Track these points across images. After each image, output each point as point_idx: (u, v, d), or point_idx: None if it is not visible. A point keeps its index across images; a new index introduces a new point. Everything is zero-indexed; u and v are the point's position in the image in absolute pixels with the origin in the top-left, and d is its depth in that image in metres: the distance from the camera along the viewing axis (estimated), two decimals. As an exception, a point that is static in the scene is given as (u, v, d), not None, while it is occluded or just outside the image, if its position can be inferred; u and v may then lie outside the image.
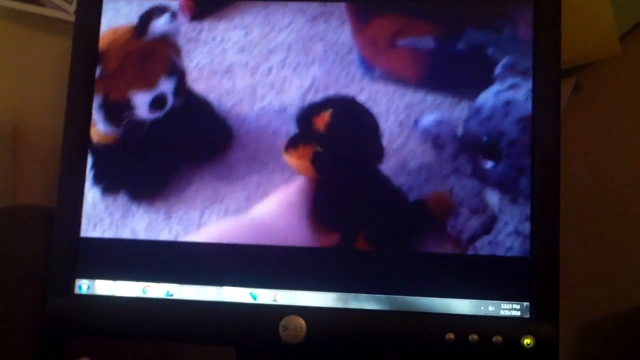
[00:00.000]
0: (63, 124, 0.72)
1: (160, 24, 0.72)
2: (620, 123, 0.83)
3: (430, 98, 0.67)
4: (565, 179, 0.65)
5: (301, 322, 0.66)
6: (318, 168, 0.68)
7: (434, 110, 0.67)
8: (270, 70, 0.70)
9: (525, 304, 0.64)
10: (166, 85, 0.71)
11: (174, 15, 0.72)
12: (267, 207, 0.68)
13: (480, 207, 0.64)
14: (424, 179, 0.66)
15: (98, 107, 0.73)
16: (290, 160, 0.67)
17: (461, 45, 0.67)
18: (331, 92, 0.69)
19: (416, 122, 0.66)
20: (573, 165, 0.75)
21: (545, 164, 0.64)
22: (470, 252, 0.64)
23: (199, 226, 0.69)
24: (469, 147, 0.65)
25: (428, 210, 0.66)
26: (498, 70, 0.66)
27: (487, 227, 0.64)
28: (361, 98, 0.68)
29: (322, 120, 0.67)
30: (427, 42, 0.68)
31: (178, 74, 0.72)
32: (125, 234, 0.69)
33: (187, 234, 0.70)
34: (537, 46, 0.66)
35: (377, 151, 0.68)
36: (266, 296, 0.68)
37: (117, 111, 0.72)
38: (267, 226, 0.68)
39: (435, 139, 0.65)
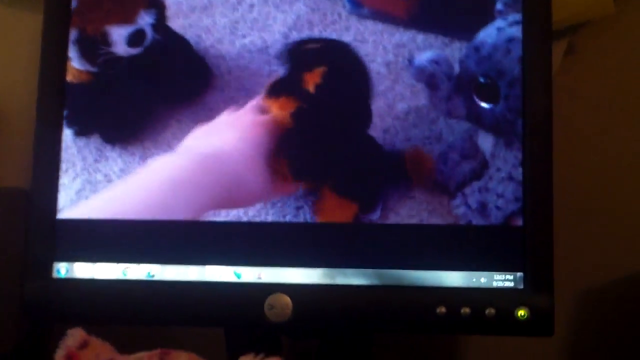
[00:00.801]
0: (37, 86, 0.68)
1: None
2: (614, 85, 0.80)
3: (421, 37, 0.63)
4: (559, 142, 0.61)
5: (287, 300, 0.62)
6: (297, 122, 0.64)
7: (427, 49, 0.62)
8: (252, 6, 0.66)
9: (519, 274, 0.61)
10: (145, 19, 0.66)
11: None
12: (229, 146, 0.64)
13: (472, 152, 0.60)
14: (412, 123, 0.61)
15: (74, 41, 0.69)
16: (269, 105, 0.63)
17: None
18: (316, 30, 0.64)
19: (410, 61, 0.61)
20: (567, 128, 0.71)
21: (537, 115, 0.60)
22: (459, 201, 0.60)
23: (175, 171, 0.65)
24: (465, 88, 0.60)
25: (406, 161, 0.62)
26: (499, 5, 0.61)
27: (478, 173, 0.60)
28: (347, 38, 0.63)
29: (313, 80, 0.62)
30: None
31: (158, 7, 0.67)
32: (99, 177, 0.65)
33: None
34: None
35: (367, 114, 0.64)
36: (251, 274, 0.65)
37: (93, 46, 0.68)
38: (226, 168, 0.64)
39: (429, 78, 0.61)
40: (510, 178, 0.60)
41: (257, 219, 0.65)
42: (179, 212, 0.64)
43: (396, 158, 0.63)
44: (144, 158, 0.66)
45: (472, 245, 0.62)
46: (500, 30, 0.60)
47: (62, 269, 0.67)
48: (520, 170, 0.60)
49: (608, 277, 0.79)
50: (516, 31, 0.60)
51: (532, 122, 0.60)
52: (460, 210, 0.61)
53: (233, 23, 0.66)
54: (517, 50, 0.60)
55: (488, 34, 0.60)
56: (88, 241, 0.66)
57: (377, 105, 0.63)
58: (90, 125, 0.67)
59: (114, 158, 0.66)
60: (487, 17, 0.62)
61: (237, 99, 0.65)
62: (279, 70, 0.65)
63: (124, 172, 0.66)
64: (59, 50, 0.69)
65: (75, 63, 0.68)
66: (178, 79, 0.66)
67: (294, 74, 0.64)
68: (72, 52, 0.69)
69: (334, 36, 0.64)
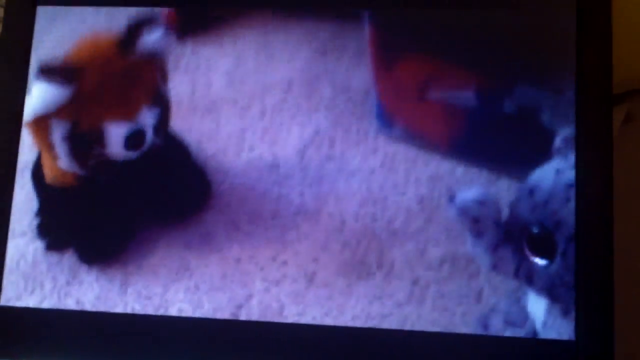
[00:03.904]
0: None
1: (152, 39, 0.55)
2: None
3: (461, 170, 0.51)
4: (617, 226, 0.50)
5: None
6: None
7: (467, 185, 0.50)
8: (263, 113, 0.55)
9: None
10: (147, 119, 0.55)
11: (166, 28, 0.58)
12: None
13: (519, 319, 0.48)
14: (446, 275, 0.50)
15: (64, 137, 0.58)
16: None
17: (509, 105, 0.50)
18: (337, 149, 0.53)
19: (451, 198, 0.50)
20: (626, 207, 0.59)
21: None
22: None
23: (160, 307, 0.53)
24: (515, 238, 0.49)
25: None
26: (558, 142, 0.49)
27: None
28: (373, 162, 0.52)
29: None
30: (466, 97, 0.51)
31: (162, 104, 0.57)
32: (70, 304, 0.54)
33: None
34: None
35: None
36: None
37: (87, 145, 0.57)
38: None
39: (473, 222, 0.49)
40: None
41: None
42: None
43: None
44: (124, 286, 0.54)
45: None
46: (558, 173, 0.49)
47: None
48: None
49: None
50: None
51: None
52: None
53: (240, 131, 0.55)
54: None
55: (544, 176, 0.49)
56: (33, 334, 0.56)
57: (406, 249, 0.51)
58: (65, 238, 0.55)
59: (90, 282, 0.55)
60: (543, 154, 0.50)
61: (238, 224, 0.53)
62: (291, 196, 0.53)
63: (99, 300, 0.54)
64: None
65: (62, 163, 0.56)
66: (173, 193, 0.55)
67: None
68: (60, 149, 0.57)
69: (357, 159, 0.52)
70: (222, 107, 0.57)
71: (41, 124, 0.59)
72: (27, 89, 0.58)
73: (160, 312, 0.55)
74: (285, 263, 0.53)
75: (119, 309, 0.55)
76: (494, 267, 0.50)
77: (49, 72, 0.60)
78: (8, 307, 0.57)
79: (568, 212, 0.50)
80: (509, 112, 0.52)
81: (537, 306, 0.49)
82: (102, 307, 0.55)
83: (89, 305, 0.56)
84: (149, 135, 0.56)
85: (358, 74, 0.55)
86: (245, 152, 0.56)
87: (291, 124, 0.56)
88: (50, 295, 0.57)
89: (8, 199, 0.58)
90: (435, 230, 0.52)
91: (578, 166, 0.51)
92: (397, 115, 0.54)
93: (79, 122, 0.58)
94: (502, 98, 0.52)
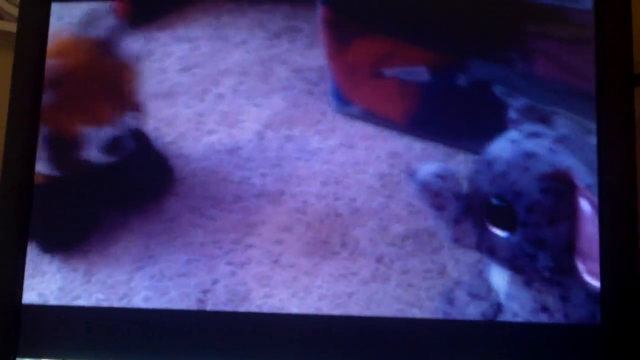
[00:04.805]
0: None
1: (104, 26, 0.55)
2: None
3: (420, 145, 0.52)
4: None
5: None
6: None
7: (426, 160, 0.51)
8: (220, 96, 0.54)
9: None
10: (126, 124, 0.57)
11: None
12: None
13: (482, 291, 0.49)
14: (409, 251, 0.50)
15: (44, 141, 0.58)
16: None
17: (463, 79, 0.51)
18: (296, 130, 0.53)
19: (411, 174, 0.50)
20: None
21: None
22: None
23: (125, 295, 0.53)
24: (475, 211, 0.49)
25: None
26: (512, 113, 0.50)
27: (489, 318, 0.49)
28: (333, 141, 0.52)
29: None
30: (420, 72, 0.52)
31: (137, 109, 0.57)
32: (31, 297, 0.53)
33: (109, 304, 0.54)
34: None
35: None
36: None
37: (65, 150, 0.57)
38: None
39: (434, 196, 0.50)
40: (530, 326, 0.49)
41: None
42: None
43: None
44: (88, 274, 0.54)
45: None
46: (514, 143, 0.50)
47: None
48: (543, 317, 0.49)
49: None
50: (534, 145, 0.49)
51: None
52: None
53: (198, 116, 0.54)
54: (536, 168, 0.49)
55: (502, 147, 0.50)
56: (58, 332, 0.55)
57: (369, 227, 0.51)
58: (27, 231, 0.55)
59: (52, 273, 0.54)
60: (499, 125, 0.50)
61: (201, 209, 0.53)
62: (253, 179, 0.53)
63: (62, 291, 0.54)
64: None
65: (41, 166, 0.57)
66: (134, 181, 0.54)
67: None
68: (41, 153, 0.57)
69: (316, 139, 0.53)
70: (179, 93, 0.56)
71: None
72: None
73: (124, 301, 0.54)
74: (250, 246, 0.54)
75: (82, 300, 0.54)
76: (456, 240, 0.51)
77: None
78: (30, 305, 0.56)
79: (527, 181, 0.50)
80: (463, 86, 0.53)
81: (499, 278, 0.50)
82: (64, 299, 0.55)
83: (51, 297, 0.55)
84: (128, 140, 0.55)
85: (313, 54, 0.56)
86: (204, 137, 0.56)
87: (249, 107, 0.56)
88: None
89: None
90: (397, 207, 0.52)
91: (600, 146, 0.51)
92: (353, 93, 0.54)
93: (59, 127, 0.58)
94: (455, 73, 0.53)
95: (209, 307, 0.53)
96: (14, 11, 0.74)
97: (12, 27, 0.71)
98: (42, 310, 0.56)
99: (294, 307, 0.52)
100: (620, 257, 0.49)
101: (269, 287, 0.53)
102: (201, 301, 0.53)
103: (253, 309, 0.53)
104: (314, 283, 0.52)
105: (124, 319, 0.55)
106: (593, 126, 0.52)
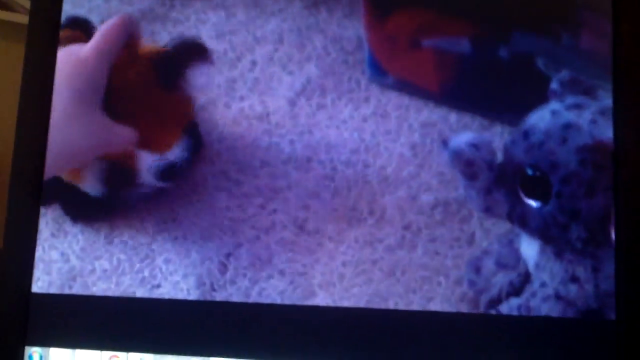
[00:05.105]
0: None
1: None
2: None
3: (454, 116, 0.50)
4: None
5: None
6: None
7: (461, 131, 0.50)
8: (254, 64, 0.54)
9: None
10: (180, 150, 0.57)
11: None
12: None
13: (511, 260, 0.47)
14: (438, 220, 0.49)
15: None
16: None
17: (504, 51, 0.50)
18: (328, 99, 0.52)
19: (444, 143, 0.49)
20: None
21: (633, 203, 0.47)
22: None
23: (146, 257, 0.52)
24: (509, 180, 0.48)
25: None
26: (554, 84, 0.49)
27: (518, 288, 0.47)
28: (365, 110, 0.51)
29: None
30: (461, 43, 0.51)
31: (194, 137, 0.57)
32: (53, 256, 0.52)
33: (131, 266, 0.54)
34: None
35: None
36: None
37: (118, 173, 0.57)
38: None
39: (467, 166, 0.48)
40: (558, 297, 0.47)
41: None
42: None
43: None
44: (110, 236, 0.53)
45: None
46: (554, 114, 0.48)
47: (35, 356, 0.54)
48: (573, 287, 0.47)
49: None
50: (575, 116, 0.48)
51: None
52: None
53: (230, 82, 0.54)
54: (574, 140, 0.48)
55: (540, 118, 0.48)
56: (67, 320, 0.55)
57: (397, 195, 0.50)
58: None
59: (74, 234, 0.54)
60: (540, 97, 0.49)
61: (227, 173, 0.52)
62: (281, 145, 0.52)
63: (84, 251, 0.53)
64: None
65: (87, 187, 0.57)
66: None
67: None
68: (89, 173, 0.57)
69: (349, 107, 0.52)
70: (211, 59, 0.56)
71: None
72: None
73: (147, 262, 0.53)
74: (274, 211, 0.52)
75: (104, 259, 0.54)
76: (487, 210, 0.49)
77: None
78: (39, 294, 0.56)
79: (563, 153, 0.49)
80: (504, 58, 0.52)
81: (529, 248, 0.49)
82: (87, 259, 0.54)
83: (73, 257, 0.54)
84: (180, 166, 0.55)
85: (350, 24, 0.55)
86: (235, 103, 0.55)
87: (282, 75, 0.55)
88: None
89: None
90: (427, 176, 0.51)
91: (616, 126, 0.50)
92: (389, 64, 0.54)
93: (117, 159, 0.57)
94: (497, 45, 0.52)
95: (230, 270, 0.52)
96: (26, 3, 0.74)
97: (23, 19, 0.71)
98: (50, 299, 0.55)
99: (317, 273, 0.51)
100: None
101: (292, 252, 0.51)
102: (223, 265, 0.52)
103: (275, 274, 0.51)
104: (338, 249, 0.51)
105: (132, 307, 0.54)
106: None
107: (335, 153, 0.52)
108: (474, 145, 0.50)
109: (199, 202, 0.53)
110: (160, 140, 0.56)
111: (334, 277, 0.50)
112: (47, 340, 0.55)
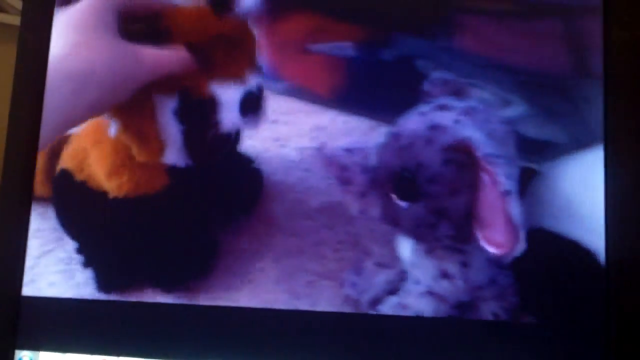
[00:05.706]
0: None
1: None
2: None
3: (342, 119, 0.53)
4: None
5: None
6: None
7: (348, 133, 0.52)
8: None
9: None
10: (253, 81, 0.56)
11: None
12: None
13: (389, 260, 0.50)
14: (325, 224, 0.52)
15: (174, 111, 0.55)
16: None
17: (388, 54, 0.51)
18: None
19: (319, 149, 0.52)
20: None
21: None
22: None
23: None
24: (382, 183, 0.50)
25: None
26: (425, 86, 0.50)
27: (394, 286, 0.50)
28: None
29: None
30: (347, 48, 0.53)
31: (259, 70, 0.56)
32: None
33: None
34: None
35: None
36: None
37: (201, 116, 0.55)
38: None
39: (340, 171, 0.51)
40: (431, 293, 0.49)
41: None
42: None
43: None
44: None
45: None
46: (422, 115, 0.50)
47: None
48: (445, 283, 0.49)
49: None
50: (440, 117, 0.49)
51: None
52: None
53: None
54: (439, 140, 0.49)
55: (410, 119, 0.50)
56: (57, 325, 0.56)
57: (290, 199, 0.53)
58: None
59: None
60: (412, 99, 0.51)
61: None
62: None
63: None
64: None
65: (169, 153, 0.56)
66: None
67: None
68: (171, 130, 0.56)
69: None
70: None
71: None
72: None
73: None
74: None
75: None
76: (362, 212, 0.52)
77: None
78: (29, 297, 0.57)
79: (430, 153, 0.50)
80: (387, 60, 0.53)
81: (404, 247, 0.51)
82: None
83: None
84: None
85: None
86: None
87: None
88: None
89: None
90: (314, 181, 0.54)
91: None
92: (282, 70, 0.56)
93: (187, 90, 0.54)
94: (379, 48, 0.53)
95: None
96: (17, 4, 0.76)
97: (15, 20, 0.74)
98: (41, 303, 0.56)
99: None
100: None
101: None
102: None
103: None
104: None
105: (123, 311, 0.55)
106: (512, 97, 0.50)
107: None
108: (348, 150, 0.52)
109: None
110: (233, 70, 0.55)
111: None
112: (38, 344, 0.55)
